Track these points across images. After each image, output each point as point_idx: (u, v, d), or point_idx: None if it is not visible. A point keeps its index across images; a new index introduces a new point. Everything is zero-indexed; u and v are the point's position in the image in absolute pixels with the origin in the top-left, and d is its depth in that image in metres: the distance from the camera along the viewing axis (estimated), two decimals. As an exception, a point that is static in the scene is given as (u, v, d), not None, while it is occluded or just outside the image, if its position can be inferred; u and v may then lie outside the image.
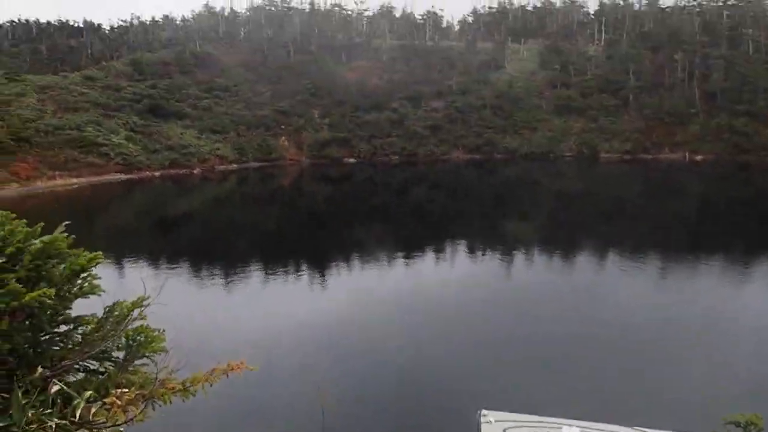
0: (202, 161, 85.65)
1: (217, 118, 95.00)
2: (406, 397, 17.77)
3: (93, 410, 3.07)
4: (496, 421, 12.39)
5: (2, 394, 3.06)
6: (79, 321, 3.48)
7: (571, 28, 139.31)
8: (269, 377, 17.73)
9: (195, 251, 40.20)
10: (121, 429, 3.12)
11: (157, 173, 79.49)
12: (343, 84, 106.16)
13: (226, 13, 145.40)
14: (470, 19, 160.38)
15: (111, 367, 3.50)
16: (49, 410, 2.97)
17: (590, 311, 25.25)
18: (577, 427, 12.24)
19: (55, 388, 3.07)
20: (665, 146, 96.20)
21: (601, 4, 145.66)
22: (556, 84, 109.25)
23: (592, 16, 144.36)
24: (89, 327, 3.46)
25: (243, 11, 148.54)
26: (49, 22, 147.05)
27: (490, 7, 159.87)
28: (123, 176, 75.52)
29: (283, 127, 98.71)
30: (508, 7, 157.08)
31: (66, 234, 3.46)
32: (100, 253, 3.55)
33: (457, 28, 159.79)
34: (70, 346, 3.41)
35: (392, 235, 45.57)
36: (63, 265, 3.33)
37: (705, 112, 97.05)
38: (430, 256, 37.41)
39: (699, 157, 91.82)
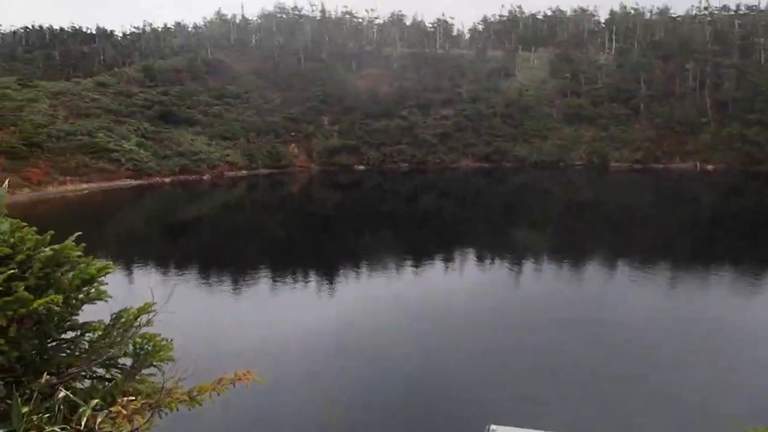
0: (212, 167, 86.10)
1: (227, 125, 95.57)
2: (414, 406, 17.67)
3: (99, 419, 3.03)
4: None
5: (8, 401, 3.03)
6: (86, 327, 3.45)
7: (581, 37, 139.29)
8: (277, 384, 17.67)
9: (204, 257, 40.30)
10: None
11: (167, 179, 79.93)
12: (353, 91, 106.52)
13: (237, 21, 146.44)
14: (481, 27, 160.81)
15: (118, 375, 3.47)
16: (53, 418, 2.94)
17: (599, 321, 25.03)
18: None
19: (60, 395, 3.04)
20: (676, 155, 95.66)
21: (612, 13, 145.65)
22: (566, 92, 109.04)
23: (603, 25, 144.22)
24: (96, 334, 3.42)
25: (254, 19, 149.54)
26: (62, 29, 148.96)
27: (500, 16, 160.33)
28: (133, 182, 75.98)
29: (292, 134, 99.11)
30: (518, 15, 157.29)
31: (77, 243, 3.44)
32: (111, 263, 3.52)
33: (467, 36, 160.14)
34: (77, 354, 3.37)
35: (401, 242, 45.51)
36: (72, 273, 3.30)
37: (716, 121, 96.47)
38: (438, 263, 37.31)
39: (710, 167, 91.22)
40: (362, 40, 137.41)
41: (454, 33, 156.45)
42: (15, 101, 78.58)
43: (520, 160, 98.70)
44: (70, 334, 3.44)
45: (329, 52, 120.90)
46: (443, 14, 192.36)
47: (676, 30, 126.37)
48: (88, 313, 3.61)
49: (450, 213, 61.52)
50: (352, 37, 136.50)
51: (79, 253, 3.38)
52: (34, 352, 3.25)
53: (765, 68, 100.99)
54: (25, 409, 2.86)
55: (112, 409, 3.08)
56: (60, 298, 3.09)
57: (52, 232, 3.46)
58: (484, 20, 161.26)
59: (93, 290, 3.38)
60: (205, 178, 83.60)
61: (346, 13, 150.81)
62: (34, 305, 3.02)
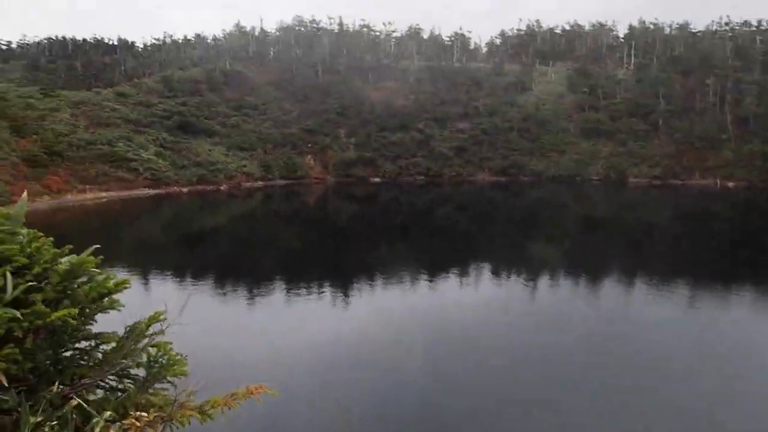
0: (229, 178, 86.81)
1: (244, 136, 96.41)
2: (428, 419, 17.55)
3: (111, 431, 3.02)
4: None
5: (19, 410, 3.02)
6: (99, 338, 3.45)
7: (600, 52, 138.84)
8: (289, 394, 17.62)
9: (220, 267, 40.48)
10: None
11: (184, 189, 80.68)
12: (370, 104, 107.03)
13: (256, 33, 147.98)
14: (498, 41, 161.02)
15: (130, 386, 3.46)
16: (65, 428, 2.93)
17: (610, 334, 24.74)
18: None
19: (73, 404, 3.03)
20: (696, 172, 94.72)
21: (631, 28, 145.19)
22: (584, 107, 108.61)
23: (622, 40, 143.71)
24: (110, 345, 3.42)
25: (273, 31, 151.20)
26: (84, 40, 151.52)
27: (518, 30, 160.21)
28: (151, 191, 76.80)
29: (309, 145, 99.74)
30: (536, 29, 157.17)
31: (94, 256, 3.45)
32: (128, 279, 3.54)
33: (484, 50, 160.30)
34: (90, 364, 3.37)
35: (416, 255, 45.39)
36: (89, 285, 3.31)
37: (737, 137, 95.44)
38: (453, 277, 37.11)
39: (731, 184, 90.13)
40: (379, 53, 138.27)
41: (471, 47, 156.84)
42: (37, 110, 79.95)
43: (537, 175, 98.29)
44: (83, 344, 3.44)
45: (347, 65, 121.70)
46: (460, 28, 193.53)
47: (696, 45, 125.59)
48: (99, 321, 3.61)
49: (466, 226, 61.31)
50: (370, 50, 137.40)
51: (96, 264, 3.39)
52: (48, 362, 3.25)
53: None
54: (37, 419, 2.86)
55: (125, 421, 3.07)
56: (76, 311, 3.10)
57: (70, 246, 3.48)
58: (502, 34, 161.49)
59: (106, 300, 3.39)
60: (222, 188, 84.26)
61: (364, 26, 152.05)
62: (52, 317, 3.03)
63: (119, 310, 3.52)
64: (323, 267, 39.77)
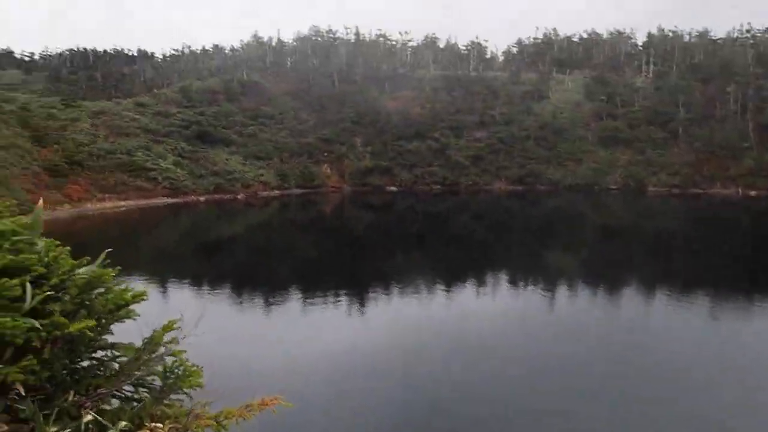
0: (246, 187, 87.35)
1: (261, 145, 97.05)
2: (444, 429, 17.44)
3: (126, 441, 3.02)
4: None
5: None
6: (116, 348, 3.46)
7: (618, 60, 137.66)
8: (305, 403, 17.59)
9: (236, 275, 40.68)
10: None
11: (202, 198, 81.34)
12: (386, 113, 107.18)
13: (273, 43, 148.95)
14: (515, 49, 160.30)
15: (146, 395, 3.45)
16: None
17: (629, 344, 24.41)
18: None
19: (88, 417, 3.03)
20: (717, 180, 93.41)
21: (650, 36, 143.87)
22: (602, 115, 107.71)
23: (640, 48, 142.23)
24: (127, 356, 3.43)
25: (290, 41, 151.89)
26: (105, 51, 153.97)
27: (535, 38, 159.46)
28: (169, 200, 77.52)
29: (325, 154, 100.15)
30: (553, 38, 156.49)
31: (110, 265, 3.47)
32: (146, 290, 3.56)
33: (501, 58, 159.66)
34: (107, 374, 3.38)
35: (432, 264, 45.26)
36: (107, 296, 3.33)
37: (759, 145, 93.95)
38: (470, 286, 36.94)
39: (753, 193, 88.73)
40: (396, 62, 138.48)
41: (488, 56, 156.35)
42: (59, 120, 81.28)
43: (554, 183, 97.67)
44: (99, 354, 3.45)
45: (363, 75, 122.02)
46: (477, 37, 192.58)
47: (716, 52, 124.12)
48: (115, 330, 3.63)
49: (482, 235, 61.05)
50: (386, 60, 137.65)
51: (113, 274, 3.41)
52: (64, 371, 3.26)
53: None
54: (53, 429, 2.86)
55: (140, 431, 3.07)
56: (93, 322, 3.11)
57: (88, 258, 3.50)
58: (519, 43, 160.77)
59: (123, 311, 3.41)
60: (239, 197, 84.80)
61: (380, 36, 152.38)
62: (70, 329, 3.04)
63: (134, 320, 3.53)
64: (339, 276, 39.79)
